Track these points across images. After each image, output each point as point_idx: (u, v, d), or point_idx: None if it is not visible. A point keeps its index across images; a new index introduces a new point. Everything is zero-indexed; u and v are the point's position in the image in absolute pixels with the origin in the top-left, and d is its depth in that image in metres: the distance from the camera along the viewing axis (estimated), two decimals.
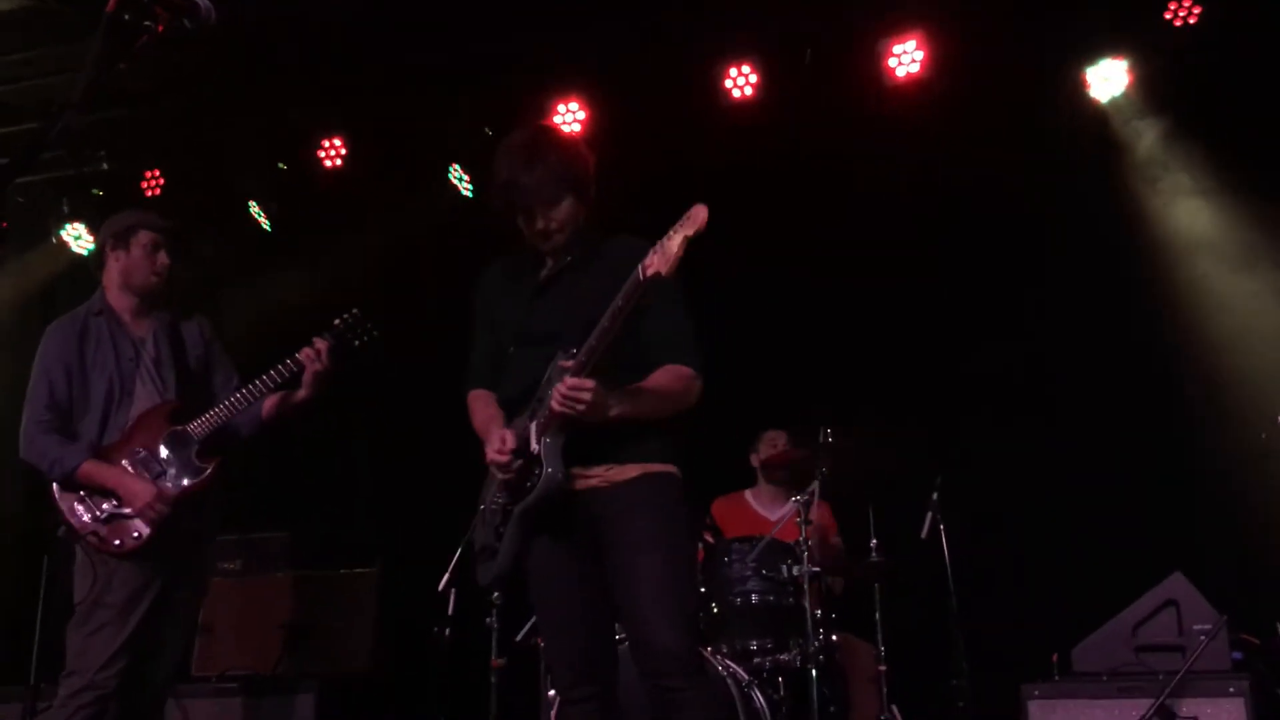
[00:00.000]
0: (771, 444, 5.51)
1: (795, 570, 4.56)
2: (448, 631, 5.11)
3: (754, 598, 4.59)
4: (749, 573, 4.61)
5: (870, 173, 5.72)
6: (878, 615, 4.79)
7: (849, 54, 5.77)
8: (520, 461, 2.96)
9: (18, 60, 5.90)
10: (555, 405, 2.82)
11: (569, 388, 2.78)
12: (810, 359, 5.75)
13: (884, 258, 5.76)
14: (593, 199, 3.15)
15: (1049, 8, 5.52)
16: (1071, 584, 5.13)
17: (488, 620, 5.04)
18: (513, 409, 3.09)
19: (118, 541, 3.76)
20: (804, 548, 4.56)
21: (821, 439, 4.79)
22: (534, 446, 2.93)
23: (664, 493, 3.00)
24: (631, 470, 2.98)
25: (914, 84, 5.66)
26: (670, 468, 3.05)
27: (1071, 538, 5.30)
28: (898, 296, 5.75)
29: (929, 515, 4.84)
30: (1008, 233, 5.70)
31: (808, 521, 4.64)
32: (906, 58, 5.64)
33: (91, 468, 3.81)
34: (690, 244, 2.60)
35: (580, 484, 2.97)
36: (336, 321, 4.07)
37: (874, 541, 4.84)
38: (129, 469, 3.84)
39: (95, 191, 6.72)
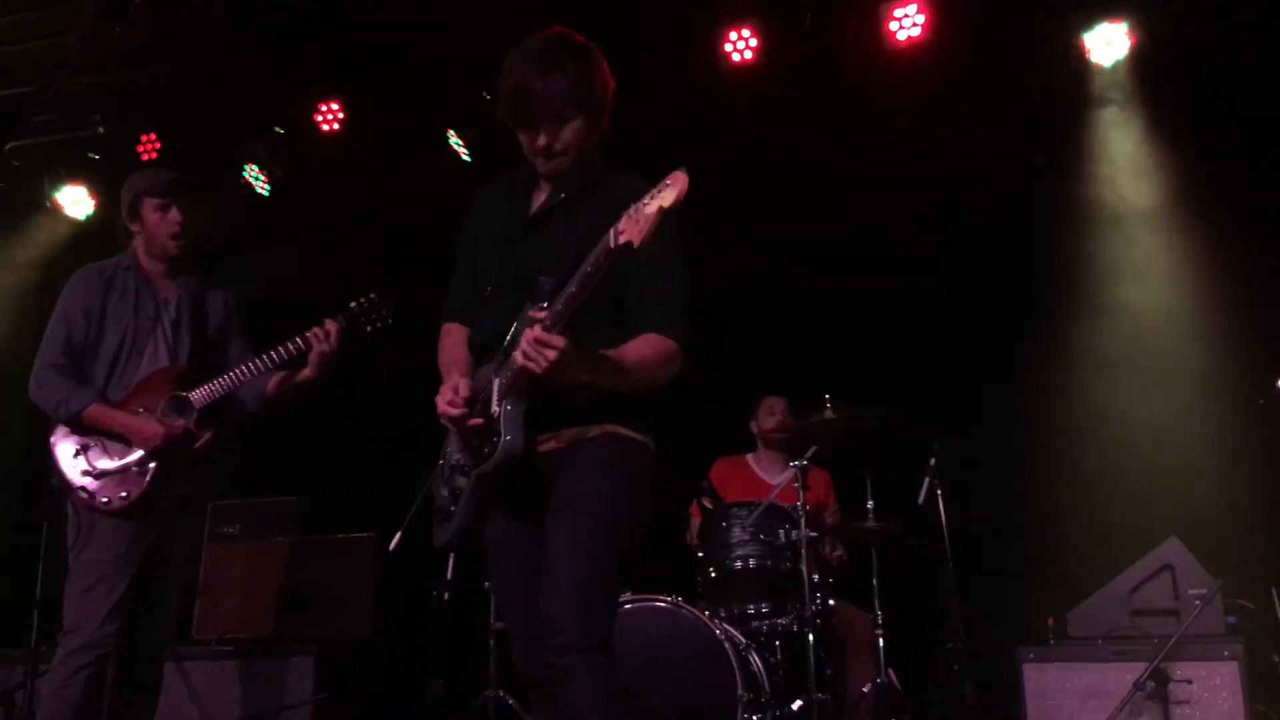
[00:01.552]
0: (770, 410, 5.54)
1: (793, 535, 4.58)
2: (447, 595, 5.13)
3: (752, 562, 4.62)
4: (747, 537, 4.64)
5: (870, 138, 5.68)
6: (874, 580, 4.82)
7: (849, 17, 5.73)
8: (478, 421, 2.70)
9: (10, 23, 5.86)
10: (518, 357, 2.53)
11: (535, 340, 2.47)
12: (810, 325, 5.75)
13: (883, 224, 5.74)
14: (606, 127, 2.84)
15: None
16: (1067, 549, 5.15)
17: (486, 584, 5.06)
18: (481, 356, 2.83)
19: (105, 499, 3.79)
20: (801, 513, 4.58)
21: (820, 408, 4.80)
22: (494, 409, 2.68)
23: (621, 456, 2.71)
24: (593, 430, 2.71)
25: (915, 47, 5.62)
26: (637, 434, 2.76)
27: (1068, 503, 5.32)
28: (896, 264, 5.73)
29: (926, 481, 4.87)
30: (1007, 199, 5.67)
31: (806, 487, 4.66)
32: (908, 21, 5.60)
33: (99, 410, 3.83)
34: (670, 212, 2.33)
35: (542, 447, 2.71)
36: (352, 304, 4.02)
37: (871, 506, 4.86)
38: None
39: (91, 155, 6.69)
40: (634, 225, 2.34)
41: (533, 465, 2.68)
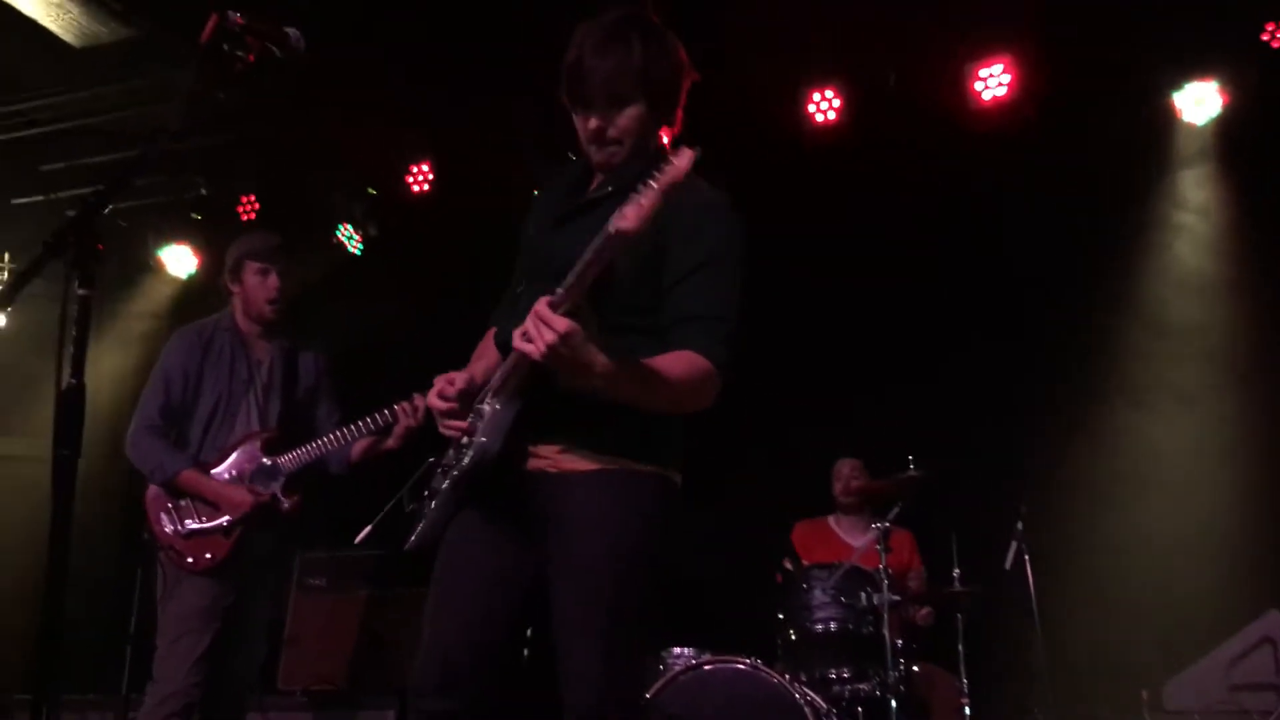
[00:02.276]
0: (837, 473, 5.49)
1: (875, 599, 4.51)
2: (525, 651, 5.13)
3: (833, 625, 4.55)
4: (828, 599, 4.57)
5: (958, 197, 5.65)
6: (960, 646, 4.71)
7: (934, 78, 5.72)
8: (460, 424, 2.39)
9: (118, 90, 6.14)
10: (516, 336, 2.16)
11: (537, 315, 2.10)
12: (890, 385, 5.69)
13: (971, 284, 5.69)
14: (676, 121, 2.54)
15: (1141, 29, 5.42)
16: (1162, 618, 5.00)
17: None
18: (505, 353, 2.46)
19: (190, 559, 3.92)
20: (884, 576, 4.51)
21: (902, 469, 4.74)
22: (484, 406, 2.37)
23: (631, 503, 2.34)
24: (591, 462, 2.34)
25: (1001, 107, 5.58)
26: (650, 467, 2.38)
27: (1163, 570, 5.16)
28: (985, 324, 5.66)
29: (1013, 545, 4.76)
30: (1097, 256, 5.60)
31: (888, 550, 4.60)
32: (994, 81, 5.57)
33: (193, 476, 3.98)
34: (662, 193, 2.02)
35: (531, 464, 2.38)
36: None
37: (957, 571, 4.77)
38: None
39: (194, 215, 6.95)
40: (634, 211, 2.01)
41: (515, 480, 2.37)
